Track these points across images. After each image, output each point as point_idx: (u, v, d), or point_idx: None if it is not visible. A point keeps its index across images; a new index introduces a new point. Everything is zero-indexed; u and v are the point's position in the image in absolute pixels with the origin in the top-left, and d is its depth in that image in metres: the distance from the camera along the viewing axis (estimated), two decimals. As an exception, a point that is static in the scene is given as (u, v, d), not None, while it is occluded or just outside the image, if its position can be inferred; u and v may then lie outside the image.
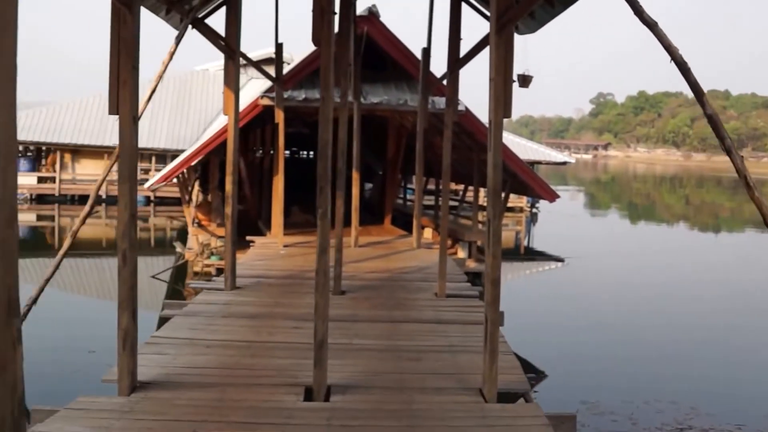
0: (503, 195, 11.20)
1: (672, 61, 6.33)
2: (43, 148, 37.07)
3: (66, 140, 34.81)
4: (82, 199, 36.37)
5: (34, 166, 36.82)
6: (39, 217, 33.11)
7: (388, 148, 21.52)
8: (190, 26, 9.96)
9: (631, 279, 20.35)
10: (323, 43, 6.02)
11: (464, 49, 10.33)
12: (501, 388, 6.48)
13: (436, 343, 8.20)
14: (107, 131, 36.06)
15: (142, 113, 10.23)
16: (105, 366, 7.02)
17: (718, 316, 15.89)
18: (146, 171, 33.03)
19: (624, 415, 9.25)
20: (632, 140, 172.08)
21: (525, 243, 29.15)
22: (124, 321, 6.16)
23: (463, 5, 10.64)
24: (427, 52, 14.49)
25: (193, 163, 18.01)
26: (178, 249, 19.56)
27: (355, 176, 16.02)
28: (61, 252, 10.23)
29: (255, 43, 30.89)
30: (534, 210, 37.90)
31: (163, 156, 34.69)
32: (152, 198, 35.05)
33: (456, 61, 10.42)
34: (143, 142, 36.92)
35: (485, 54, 8.35)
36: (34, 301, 9.93)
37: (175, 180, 18.07)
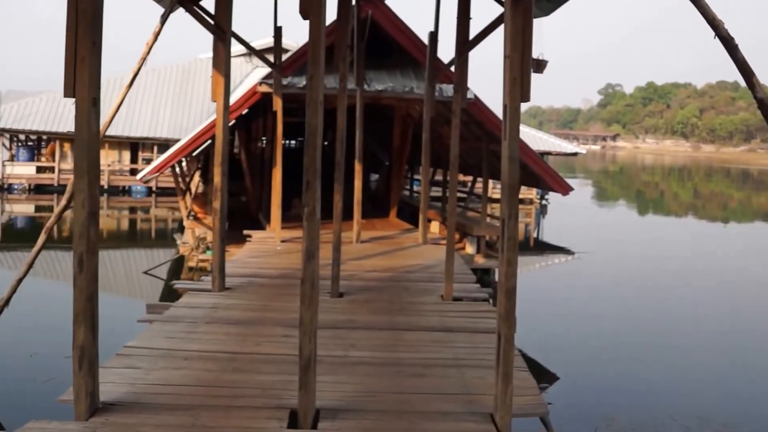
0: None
1: (716, 37, 5.49)
2: (43, 137, 36.38)
3: (66, 129, 33.97)
4: (82, 190, 35.68)
5: (33, 156, 36.09)
6: (37, 208, 32.37)
7: (393, 138, 20.65)
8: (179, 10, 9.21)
9: (660, 272, 19.61)
10: (312, 13, 5.13)
11: (474, 30, 9.47)
12: (516, 412, 5.64)
13: (441, 356, 7.35)
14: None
15: (124, 96, 9.51)
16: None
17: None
18: (148, 161, 32.22)
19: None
20: (641, 131, 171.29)
21: (535, 235, 28.28)
22: (81, 336, 5.34)
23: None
24: (434, 36, 13.63)
25: (194, 153, 17.21)
26: (179, 241, 18.79)
27: (358, 168, 15.18)
28: (35, 249, 9.47)
29: (260, 32, 30.11)
30: (544, 202, 36.98)
31: (165, 146, 33.80)
32: (154, 189, 34.38)
33: (465, 43, 9.53)
34: (144, 131, 36.42)
35: (498, 37, 7.55)
36: (6, 302, 9.18)
37: (169, 170, 17.29)
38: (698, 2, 5.33)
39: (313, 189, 5.07)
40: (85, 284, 5.29)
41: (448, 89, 15.12)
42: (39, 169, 35.50)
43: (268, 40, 26.91)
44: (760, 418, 9.20)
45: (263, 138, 22.12)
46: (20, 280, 9.14)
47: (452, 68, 10.82)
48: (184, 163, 20.98)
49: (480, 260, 16.52)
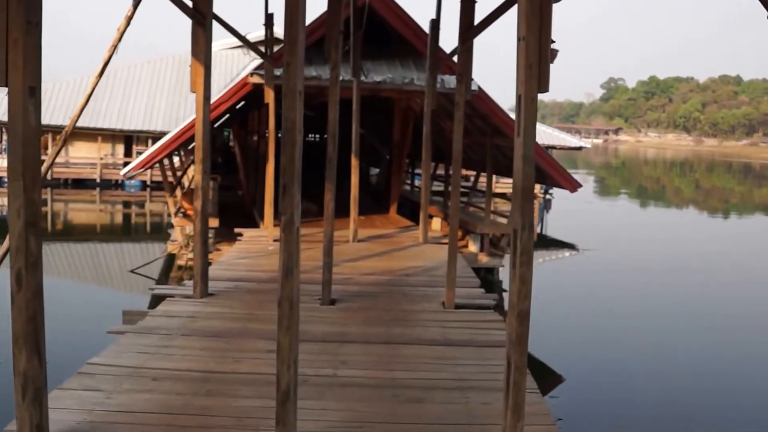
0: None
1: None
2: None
3: (58, 122, 33.15)
4: (76, 184, 34.98)
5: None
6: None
7: (394, 131, 19.84)
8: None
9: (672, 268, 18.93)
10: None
11: (480, 14, 8.68)
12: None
13: (442, 376, 6.57)
14: (102, 112, 34.55)
15: (94, 86, 8.72)
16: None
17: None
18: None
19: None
20: (643, 125, 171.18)
21: (538, 230, 27.48)
22: (23, 362, 4.55)
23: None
24: (435, 23, 12.79)
25: (190, 146, 16.39)
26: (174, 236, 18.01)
27: (354, 163, 14.36)
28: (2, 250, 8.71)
29: (256, 24, 29.27)
30: (548, 196, 36.17)
31: (161, 139, 33.18)
32: (149, 182, 33.64)
33: (469, 28, 8.72)
34: (138, 124, 35.70)
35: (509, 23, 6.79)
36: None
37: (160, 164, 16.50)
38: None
39: (290, 194, 4.26)
40: (26, 303, 4.50)
41: (450, 81, 14.32)
42: (31, 162, 34.68)
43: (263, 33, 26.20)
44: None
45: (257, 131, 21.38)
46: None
47: (455, 58, 10.03)
48: (177, 157, 20.20)
49: (484, 259, 15.75)
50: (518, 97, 4.82)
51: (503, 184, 29.29)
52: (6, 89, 4.42)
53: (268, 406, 5.37)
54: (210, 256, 15.03)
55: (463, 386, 6.28)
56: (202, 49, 8.56)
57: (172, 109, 35.00)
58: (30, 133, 4.43)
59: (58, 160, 34.10)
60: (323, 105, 10.87)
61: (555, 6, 6.78)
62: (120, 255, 20.46)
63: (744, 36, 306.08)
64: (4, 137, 35.15)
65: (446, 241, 10.41)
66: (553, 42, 4.99)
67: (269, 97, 13.81)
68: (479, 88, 14.92)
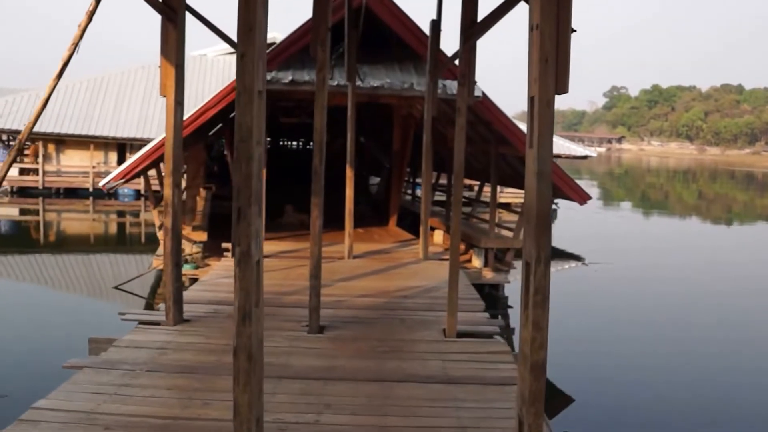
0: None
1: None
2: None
3: (49, 129, 32.36)
4: (68, 193, 34.14)
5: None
6: (22, 212, 30.81)
7: (394, 139, 18.96)
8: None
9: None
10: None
11: (483, 11, 7.81)
12: None
13: (441, 423, 5.68)
14: (94, 119, 33.75)
15: (52, 90, 7.87)
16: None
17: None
18: (136, 163, 30.63)
19: None
20: (646, 133, 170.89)
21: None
22: None
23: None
24: (436, 24, 11.90)
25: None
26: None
27: (349, 174, 13.49)
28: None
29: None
30: (554, 206, 35.25)
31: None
32: (143, 192, 32.78)
33: (471, 26, 7.85)
34: (132, 131, 34.81)
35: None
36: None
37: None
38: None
39: (246, 221, 3.38)
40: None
41: (452, 86, 13.46)
42: (22, 171, 33.83)
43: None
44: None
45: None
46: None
47: (456, 61, 9.17)
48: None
49: (488, 275, 14.87)
50: (530, 100, 3.96)
51: (508, 194, 28.43)
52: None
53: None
54: (197, 272, 14.18)
55: (465, 437, 5.41)
56: (173, 48, 7.67)
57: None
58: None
59: (49, 168, 33.35)
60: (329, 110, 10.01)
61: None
62: (107, 268, 19.50)
63: (746, 45, 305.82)
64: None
65: (448, 257, 9.54)
66: (574, 31, 4.09)
67: (259, 103, 12.94)
68: (483, 93, 14.06)
